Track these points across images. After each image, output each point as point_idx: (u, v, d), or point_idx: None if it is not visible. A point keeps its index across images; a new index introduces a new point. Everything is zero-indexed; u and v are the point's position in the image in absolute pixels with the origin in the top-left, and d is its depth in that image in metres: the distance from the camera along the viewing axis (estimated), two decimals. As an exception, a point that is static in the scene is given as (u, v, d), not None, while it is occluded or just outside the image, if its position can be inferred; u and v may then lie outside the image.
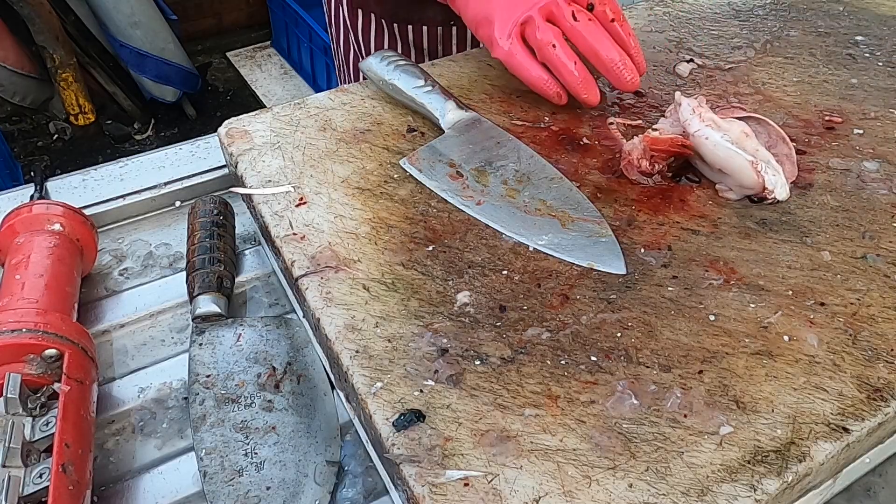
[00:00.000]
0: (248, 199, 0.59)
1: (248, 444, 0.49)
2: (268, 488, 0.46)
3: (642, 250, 0.52)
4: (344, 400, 0.51)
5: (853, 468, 0.47)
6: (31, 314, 0.49)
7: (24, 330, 0.47)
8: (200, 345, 0.55)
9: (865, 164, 0.61)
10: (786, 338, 0.46)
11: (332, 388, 0.53)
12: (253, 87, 2.82)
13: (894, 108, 0.67)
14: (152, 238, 0.67)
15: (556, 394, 0.43)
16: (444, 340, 0.46)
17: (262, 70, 2.93)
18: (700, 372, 0.44)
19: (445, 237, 0.53)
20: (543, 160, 0.59)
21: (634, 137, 0.59)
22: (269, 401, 0.51)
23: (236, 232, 0.65)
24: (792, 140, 0.60)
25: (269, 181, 0.58)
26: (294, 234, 0.53)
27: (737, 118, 0.59)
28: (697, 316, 0.47)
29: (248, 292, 0.62)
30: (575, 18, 0.62)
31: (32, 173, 0.70)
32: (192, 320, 0.56)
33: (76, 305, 0.56)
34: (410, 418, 0.41)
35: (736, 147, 0.55)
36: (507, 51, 0.64)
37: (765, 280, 0.50)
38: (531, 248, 0.52)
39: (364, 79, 0.70)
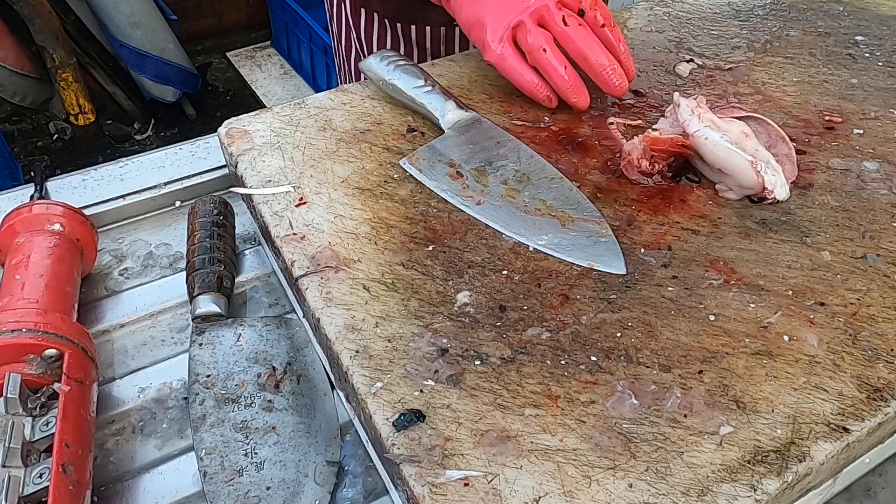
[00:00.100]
0: (248, 199, 0.59)
1: (248, 444, 0.49)
2: (268, 488, 0.46)
3: (642, 250, 0.52)
4: (344, 400, 0.51)
5: (853, 468, 0.47)
6: (31, 314, 0.49)
7: (24, 330, 0.47)
8: (200, 345, 0.55)
9: (865, 164, 0.61)
10: (786, 338, 0.46)
11: (332, 388, 0.53)
12: (253, 87, 2.82)
13: (894, 108, 0.67)
14: (152, 238, 0.67)
15: (556, 394, 0.43)
16: (444, 340, 0.46)
17: (262, 70, 2.93)
18: (700, 372, 0.44)
19: (445, 237, 0.53)
20: (543, 160, 0.60)
21: (634, 137, 0.59)
22: (269, 401, 0.51)
23: (236, 232, 0.65)
24: (792, 140, 0.60)
25: (269, 181, 0.58)
26: (294, 234, 0.53)
27: (736, 118, 0.59)
28: (697, 316, 0.47)
29: (248, 292, 0.62)
30: (565, 23, 0.63)
31: (32, 173, 0.70)
32: (192, 320, 0.56)
33: (76, 305, 0.56)
34: (410, 418, 0.41)
35: (736, 147, 0.55)
36: (498, 54, 0.64)
37: (765, 280, 0.50)
38: (531, 248, 0.52)
39: (364, 78, 0.70)
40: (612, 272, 0.50)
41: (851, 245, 0.53)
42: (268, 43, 3.06)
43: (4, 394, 0.44)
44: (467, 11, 0.67)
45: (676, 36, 0.79)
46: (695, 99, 0.59)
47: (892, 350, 0.45)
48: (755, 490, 0.38)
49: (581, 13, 0.64)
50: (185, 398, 0.53)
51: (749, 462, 0.39)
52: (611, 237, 0.53)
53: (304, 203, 0.56)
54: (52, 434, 0.43)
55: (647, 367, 0.44)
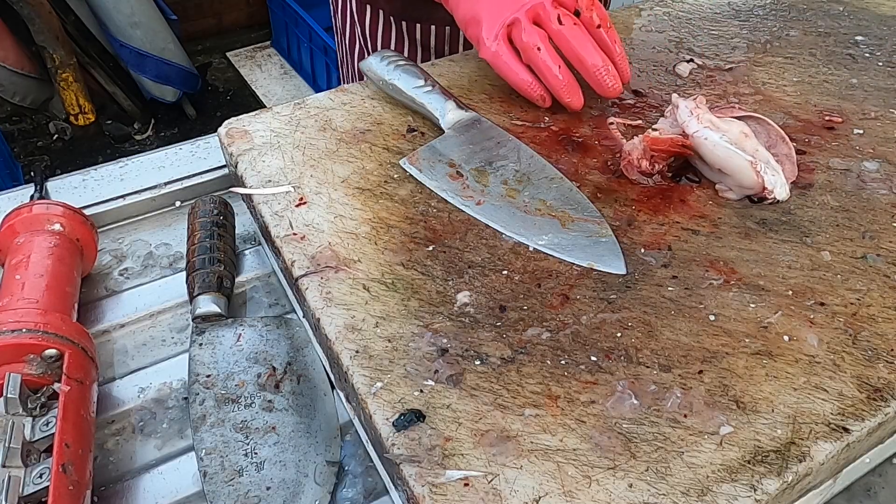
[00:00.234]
0: (248, 199, 0.59)
1: (248, 444, 0.49)
2: (268, 488, 0.46)
3: (642, 250, 0.52)
4: (344, 400, 0.51)
5: (853, 468, 0.47)
6: (32, 314, 0.49)
7: (24, 330, 0.47)
8: (200, 345, 0.55)
9: (865, 164, 0.61)
10: (786, 338, 0.46)
11: (332, 388, 0.53)
12: (253, 87, 2.82)
13: (894, 108, 0.67)
14: (152, 238, 0.67)
15: (556, 394, 0.43)
16: (444, 340, 0.46)
17: (262, 70, 2.93)
18: (700, 372, 0.44)
19: (445, 237, 0.53)
20: (543, 160, 0.60)
21: (634, 137, 0.59)
22: (269, 401, 0.51)
23: (236, 232, 0.65)
24: (792, 140, 0.60)
25: (269, 181, 0.58)
26: (294, 234, 0.53)
27: (736, 118, 0.59)
28: (697, 316, 0.47)
29: (248, 292, 0.62)
30: (560, 22, 0.62)
31: (32, 173, 0.70)
32: (192, 320, 0.56)
33: (76, 305, 0.56)
34: (410, 418, 0.41)
35: (735, 147, 0.55)
36: (493, 52, 0.64)
37: (765, 280, 0.50)
38: (531, 248, 0.52)
39: (364, 78, 0.70)
40: (612, 272, 0.50)
41: (851, 245, 0.53)
42: (268, 43, 3.06)
43: (4, 394, 0.44)
44: (464, 8, 0.67)
45: (676, 36, 0.79)
46: (693, 100, 0.59)
47: (892, 350, 0.45)
48: (755, 490, 0.38)
49: (577, 13, 0.64)
50: (185, 398, 0.53)
51: (749, 462, 0.39)
52: (611, 237, 0.53)
53: (304, 203, 0.56)
54: (52, 434, 0.43)
55: (647, 367, 0.44)
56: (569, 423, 0.41)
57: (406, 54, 0.93)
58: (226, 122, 0.64)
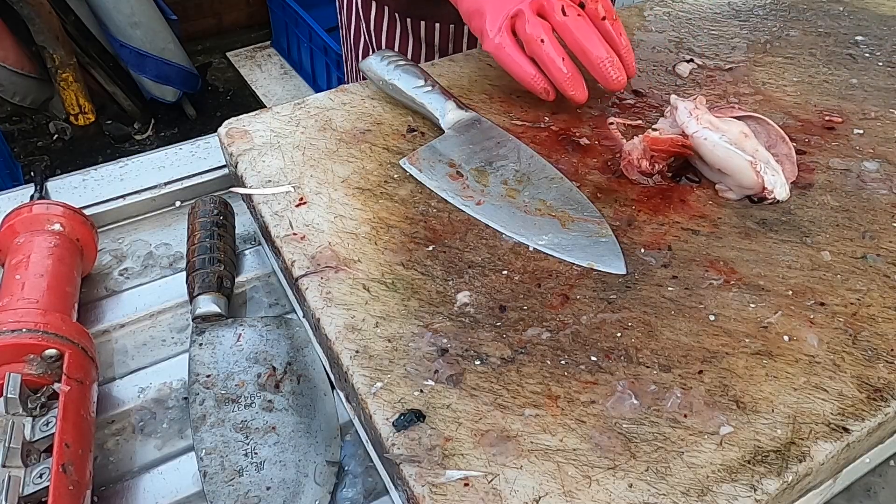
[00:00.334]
0: (248, 199, 0.59)
1: (248, 444, 0.49)
2: (268, 488, 0.46)
3: (642, 250, 0.52)
4: (344, 400, 0.51)
5: (853, 468, 0.47)
6: (32, 314, 0.49)
7: (24, 330, 0.47)
8: (200, 345, 0.55)
9: (865, 164, 0.61)
10: (786, 338, 0.46)
11: (332, 388, 0.53)
12: (253, 87, 2.82)
13: (894, 108, 0.67)
14: (152, 238, 0.67)
15: (556, 394, 0.43)
16: (444, 340, 0.46)
17: (262, 70, 2.92)
18: (700, 372, 0.44)
19: (445, 237, 0.53)
20: (543, 160, 0.60)
21: (634, 137, 0.59)
22: (269, 401, 0.51)
23: (236, 232, 0.65)
24: (792, 140, 0.60)
25: (269, 181, 0.58)
26: (294, 234, 0.53)
27: (736, 118, 0.59)
28: (697, 316, 0.47)
29: (248, 292, 0.62)
30: (564, 14, 0.62)
31: (32, 173, 0.70)
32: (192, 320, 0.56)
33: (76, 305, 0.56)
34: (410, 418, 0.41)
35: (735, 147, 0.55)
36: (496, 44, 0.63)
37: (765, 280, 0.50)
38: (531, 248, 0.52)
39: (365, 78, 0.70)
40: (612, 272, 0.50)
41: (851, 245, 0.53)
42: (268, 43, 3.06)
43: (4, 394, 0.44)
44: (468, 0, 0.66)
45: (676, 36, 0.79)
46: (692, 100, 0.59)
47: (892, 350, 0.45)
48: (755, 490, 0.38)
49: (582, 5, 0.63)
50: (185, 398, 0.53)
51: (749, 462, 0.39)
52: (611, 237, 0.53)
53: (304, 203, 0.56)
54: (52, 434, 0.43)
55: (647, 367, 0.44)
56: (569, 423, 0.41)
57: (410, 51, 0.94)
58: (226, 122, 0.64)
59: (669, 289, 0.49)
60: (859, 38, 0.79)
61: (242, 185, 0.59)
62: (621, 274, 0.50)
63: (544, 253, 0.52)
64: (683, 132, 0.58)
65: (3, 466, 0.42)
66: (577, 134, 0.64)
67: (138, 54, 2.43)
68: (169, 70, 2.51)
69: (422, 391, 0.43)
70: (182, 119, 2.67)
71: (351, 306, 0.48)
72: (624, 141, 0.61)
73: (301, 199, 0.56)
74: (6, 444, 0.42)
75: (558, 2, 0.62)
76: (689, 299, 0.49)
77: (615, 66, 0.62)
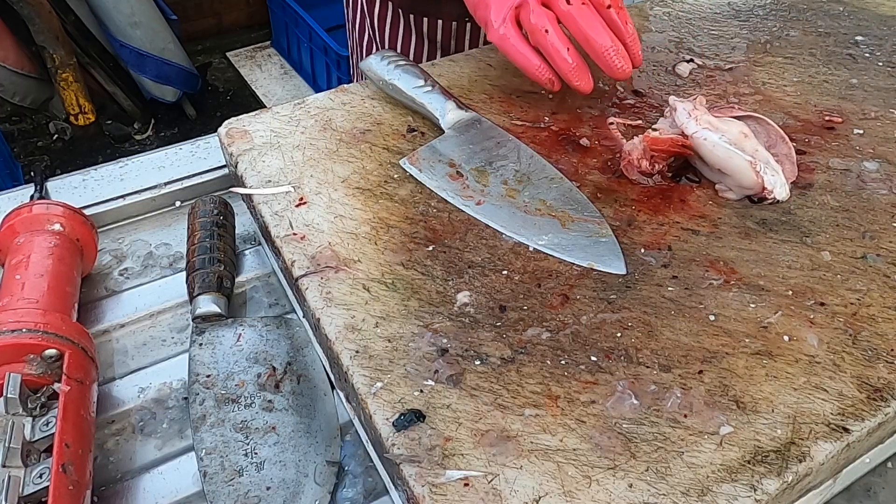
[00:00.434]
0: (248, 199, 0.59)
1: (248, 444, 0.49)
2: (268, 488, 0.46)
3: (642, 250, 0.52)
4: (344, 400, 0.51)
5: (853, 468, 0.47)
6: (32, 314, 0.49)
7: (24, 330, 0.47)
8: (200, 345, 0.55)
9: (865, 164, 0.61)
10: (786, 338, 0.46)
11: (332, 388, 0.53)
12: (253, 87, 2.82)
13: (894, 108, 0.67)
14: (152, 238, 0.67)
15: (556, 394, 0.43)
16: (444, 340, 0.46)
17: (262, 70, 2.92)
18: (700, 372, 0.44)
19: (445, 237, 0.53)
20: (543, 160, 0.59)
21: (634, 137, 0.59)
22: (269, 401, 0.51)
23: (236, 232, 0.65)
24: (792, 140, 0.60)
25: (269, 181, 0.58)
26: (294, 234, 0.53)
27: (735, 118, 0.59)
28: (697, 316, 0.47)
29: (248, 292, 0.62)
30: (569, 2, 0.61)
31: (32, 173, 0.70)
32: (192, 320, 0.56)
33: (76, 305, 0.56)
34: (410, 418, 0.41)
35: (735, 147, 0.55)
36: (501, 34, 0.63)
37: (765, 280, 0.50)
38: (531, 248, 0.52)
39: (365, 78, 0.70)
40: (612, 272, 0.50)
41: (851, 245, 0.53)
42: (268, 43, 3.06)
43: (4, 394, 0.44)
44: None
45: (676, 36, 0.79)
46: (692, 101, 0.59)
47: (892, 350, 0.45)
48: (755, 490, 0.38)
49: None
50: (185, 398, 0.53)
51: (749, 462, 0.39)
52: (611, 237, 0.53)
53: (304, 203, 0.56)
54: (52, 434, 0.43)
55: (647, 367, 0.44)
56: (569, 423, 0.41)
57: (413, 48, 0.94)
58: (226, 122, 0.64)
59: (669, 289, 0.49)
60: (859, 38, 0.79)
61: (242, 185, 0.59)
62: (621, 274, 0.50)
63: (544, 253, 0.52)
64: (683, 132, 0.58)
65: (3, 466, 0.42)
66: (577, 134, 0.64)
67: (138, 54, 2.43)
68: (169, 70, 2.51)
69: (422, 391, 0.43)
70: (182, 119, 2.67)
71: (351, 306, 0.48)
72: (624, 141, 0.61)
73: (301, 199, 0.56)
74: (6, 444, 0.42)
75: None
76: (689, 299, 0.49)
77: (620, 55, 0.61)
